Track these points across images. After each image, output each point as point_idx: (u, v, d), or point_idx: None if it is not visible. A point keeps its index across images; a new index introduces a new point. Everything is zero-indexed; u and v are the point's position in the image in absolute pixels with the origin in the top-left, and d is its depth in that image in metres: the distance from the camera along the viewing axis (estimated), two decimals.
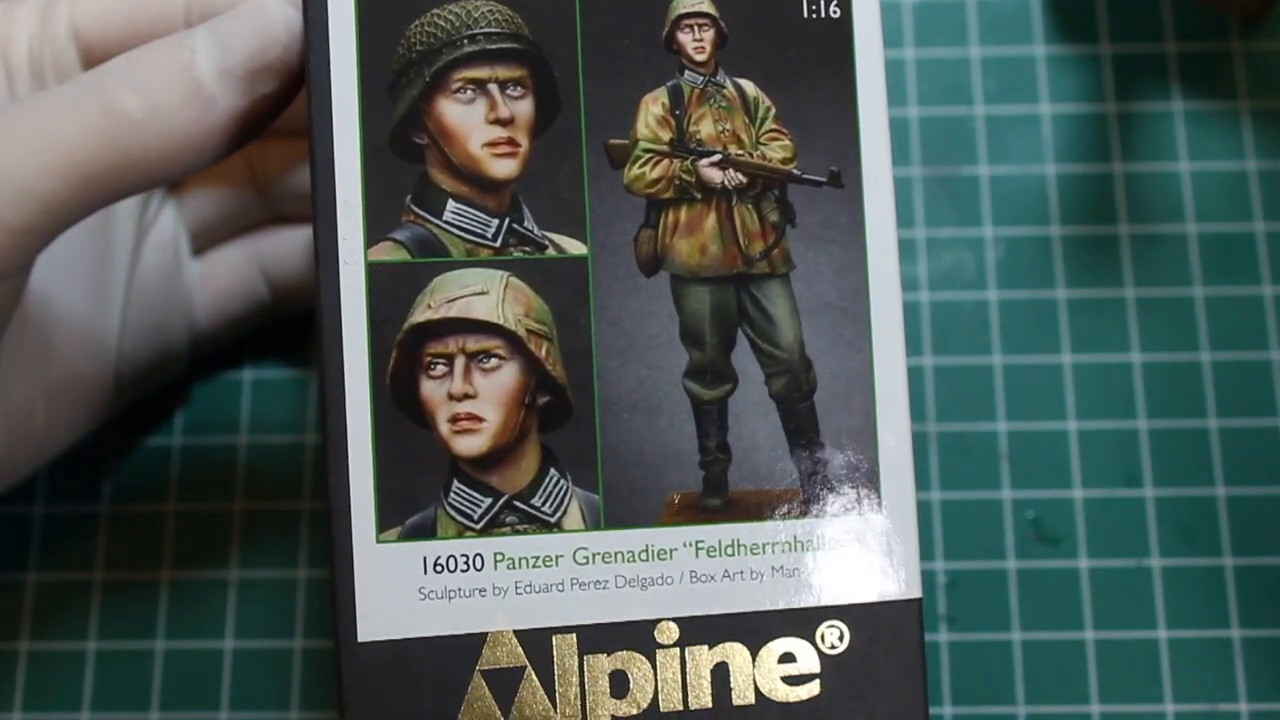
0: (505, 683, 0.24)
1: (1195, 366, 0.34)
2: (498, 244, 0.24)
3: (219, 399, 0.34)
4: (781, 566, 0.24)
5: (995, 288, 0.34)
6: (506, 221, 0.24)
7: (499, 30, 0.25)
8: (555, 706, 0.24)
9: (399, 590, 0.24)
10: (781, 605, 0.24)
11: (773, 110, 0.25)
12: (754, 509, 0.24)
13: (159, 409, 0.34)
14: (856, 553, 0.24)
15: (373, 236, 0.24)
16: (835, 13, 0.25)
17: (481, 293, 0.24)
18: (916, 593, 0.25)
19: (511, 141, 0.24)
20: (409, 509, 0.24)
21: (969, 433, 0.33)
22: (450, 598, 0.24)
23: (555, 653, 0.24)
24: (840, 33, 0.25)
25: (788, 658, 0.24)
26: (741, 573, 0.24)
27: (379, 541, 0.24)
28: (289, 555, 0.33)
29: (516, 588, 0.24)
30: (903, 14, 0.36)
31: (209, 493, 0.34)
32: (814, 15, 0.25)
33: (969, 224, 0.35)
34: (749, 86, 0.25)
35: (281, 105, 0.25)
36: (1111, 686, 0.32)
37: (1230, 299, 0.34)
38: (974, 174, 0.35)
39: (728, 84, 0.25)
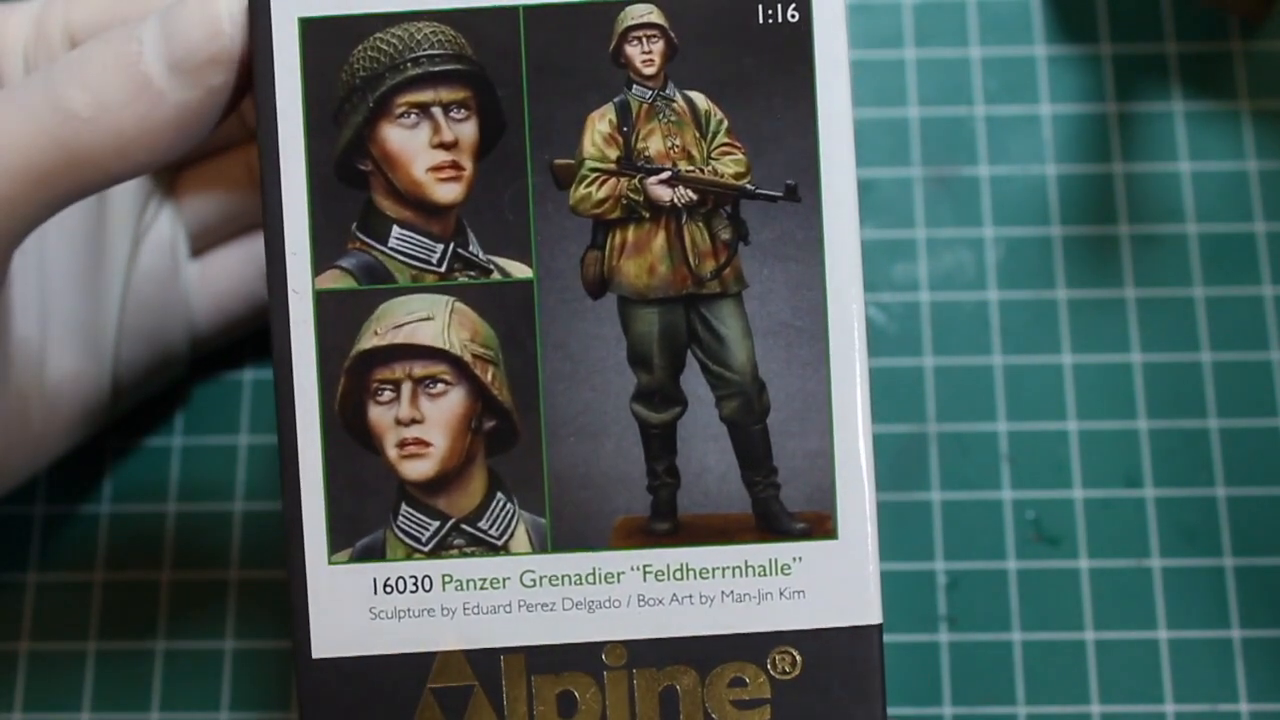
0: (455, 700, 0.24)
1: (1195, 366, 0.34)
2: (443, 269, 0.24)
3: (219, 399, 0.34)
4: (731, 591, 0.24)
5: (995, 288, 0.34)
6: (451, 246, 0.24)
7: (442, 52, 0.24)
8: None
9: (351, 610, 0.24)
10: (731, 630, 0.24)
11: (725, 123, 0.24)
12: (703, 533, 0.24)
13: (159, 409, 0.34)
14: (809, 579, 0.24)
15: (320, 264, 0.24)
16: (793, 17, 0.24)
17: (427, 318, 0.24)
18: (875, 619, 0.24)
19: (455, 165, 0.24)
20: (359, 531, 0.24)
21: (969, 433, 0.33)
22: (400, 618, 0.24)
23: (504, 673, 0.24)
24: (798, 38, 0.24)
25: (738, 682, 0.24)
26: (690, 596, 0.24)
27: (331, 563, 0.24)
28: None
29: (465, 609, 0.24)
30: (903, 14, 0.36)
31: (209, 493, 0.34)
32: (770, 20, 0.24)
33: (969, 224, 0.35)
34: (700, 99, 0.24)
35: (236, 98, 0.25)
36: (1111, 686, 0.32)
37: (1230, 299, 0.34)
38: (974, 174, 0.35)
39: (677, 97, 0.24)
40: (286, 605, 0.24)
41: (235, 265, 0.33)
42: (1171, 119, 0.35)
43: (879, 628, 0.24)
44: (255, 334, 0.35)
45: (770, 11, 0.24)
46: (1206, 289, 0.34)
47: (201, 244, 0.33)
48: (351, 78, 0.24)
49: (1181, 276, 0.34)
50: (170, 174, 0.32)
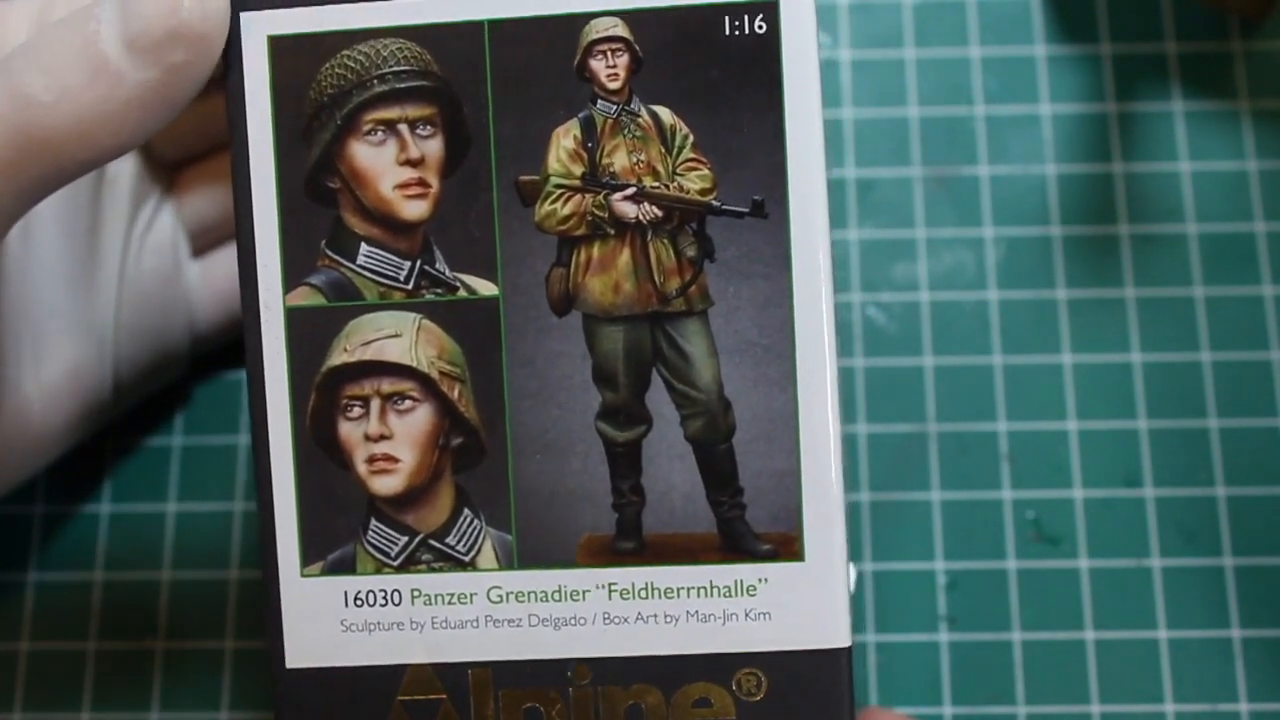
0: (424, 713, 0.24)
1: (1195, 366, 0.34)
2: (410, 286, 0.24)
3: (219, 399, 0.34)
4: (696, 611, 0.24)
5: (995, 288, 0.34)
6: (418, 264, 0.24)
7: (408, 68, 0.24)
8: None
9: (322, 621, 0.24)
10: (696, 650, 0.24)
11: (691, 138, 0.24)
12: (668, 553, 0.24)
13: (159, 409, 0.34)
14: (775, 600, 0.24)
15: (290, 281, 0.24)
16: (760, 28, 0.24)
17: (395, 335, 0.24)
18: (843, 642, 0.24)
19: (422, 182, 0.24)
20: (330, 545, 0.24)
21: (969, 433, 0.33)
22: (370, 630, 0.24)
23: (471, 687, 0.24)
24: (765, 49, 0.24)
25: (703, 702, 0.24)
26: (655, 616, 0.24)
27: (303, 574, 0.24)
28: None
29: (433, 623, 0.24)
30: (903, 14, 0.36)
31: (209, 492, 0.34)
32: (737, 32, 0.24)
33: (969, 224, 0.35)
34: (665, 114, 0.24)
35: (200, 75, 0.24)
36: (1111, 686, 0.32)
37: (1230, 299, 0.34)
38: (974, 174, 0.35)
39: (642, 112, 0.24)
40: (265, 616, 0.25)
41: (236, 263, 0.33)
42: (1171, 119, 0.35)
43: (848, 651, 0.24)
44: None
45: (737, 23, 0.24)
46: (1206, 289, 0.34)
47: (203, 243, 0.33)
48: (320, 95, 0.24)
49: (1181, 276, 0.34)
50: (171, 172, 0.32)
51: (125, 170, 0.31)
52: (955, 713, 0.32)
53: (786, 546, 0.24)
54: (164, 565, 0.33)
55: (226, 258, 0.33)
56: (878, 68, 0.36)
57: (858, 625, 0.32)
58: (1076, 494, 0.33)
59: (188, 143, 0.32)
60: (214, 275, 0.33)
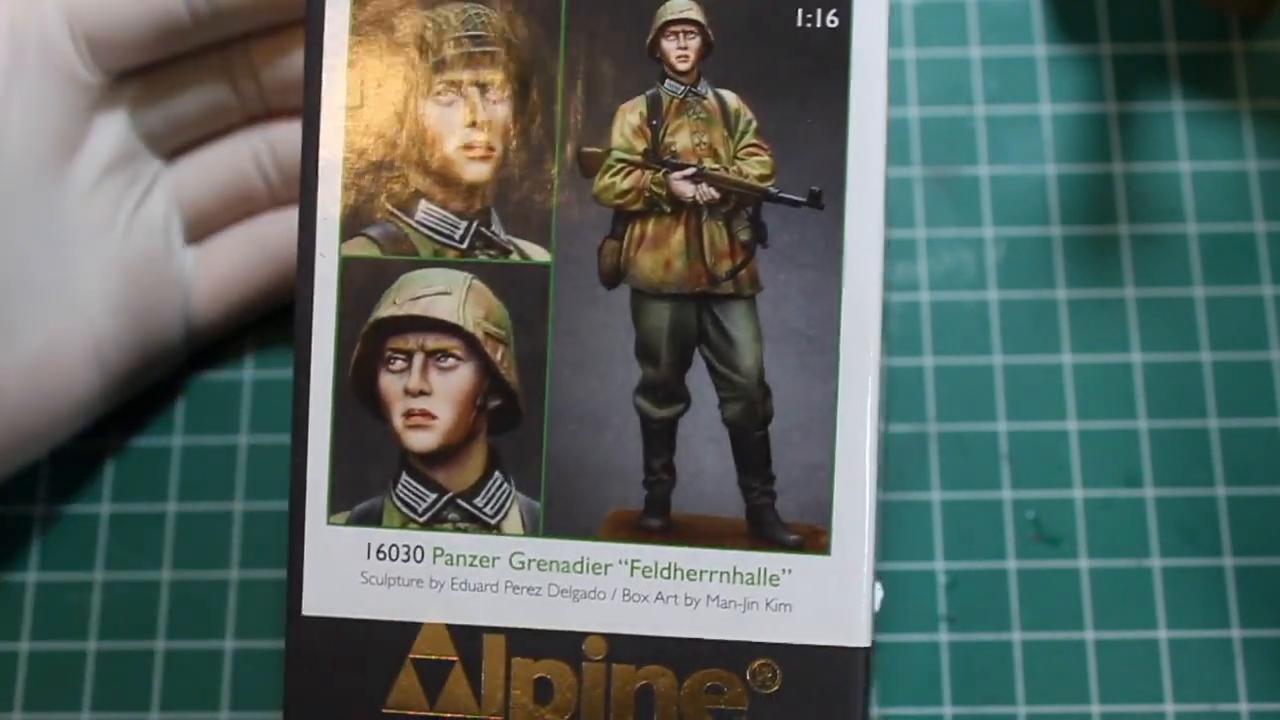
0: (434, 673, 0.24)
1: (1195, 366, 0.34)
2: (464, 246, 0.24)
3: (219, 399, 0.34)
4: (718, 596, 0.24)
5: (995, 288, 0.34)
6: (475, 225, 0.24)
7: (482, 34, 0.24)
8: (479, 703, 0.24)
9: (343, 571, 0.24)
10: (713, 635, 0.24)
11: (754, 124, 0.24)
12: (694, 534, 0.24)
13: (158, 408, 0.34)
14: (798, 593, 0.24)
15: (348, 231, 0.25)
16: (833, 22, 0.24)
17: (444, 293, 0.24)
18: (862, 642, 0.24)
19: (487, 146, 0.24)
20: (359, 495, 0.25)
21: (969, 433, 0.33)
22: (390, 585, 0.24)
23: (484, 651, 0.24)
24: (836, 43, 0.24)
25: (715, 689, 0.24)
26: (676, 597, 0.24)
27: (329, 523, 0.25)
28: None
29: (453, 583, 0.24)
30: (903, 14, 0.36)
31: (209, 492, 0.34)
32: (809, 24, 0.24)
33: (969, 224, 0.35)
34: (731, 98, 0.24)
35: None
36: (1111, 686, 0.32)
37: (1230, 299, 0.34)
38: (974, 174, 0.35)
39: (709, 94, 0.24)
40: (288, 562, 0.25)
41: (237, 249, 0.33)
42: (1171, 119, 0.35)
43: (866, 651, 0.24)
44: (257, 330, 0.35)
45: (810, 15, 0.24)
46: (1206, 289, 0.34)
47: (201, 230, 0.33)
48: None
49: (1181, 276, 0.34)
50: (166, 156, 0.32)
51: (110, 146, 0.31)
52: (955, 713, 0.32)
53: (813, 539, 0.24)
54: (164, 565, 0.33)
55: (226, 243, 0.33)
56: None
57: None
58: (1076, 494, 0.33)
59: (185, 128, 0.32)
60: (212, 261, 0.33)
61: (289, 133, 0.32)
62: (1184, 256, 0.34)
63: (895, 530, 0.33)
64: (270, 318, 0.35)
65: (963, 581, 0.33)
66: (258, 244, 0.33)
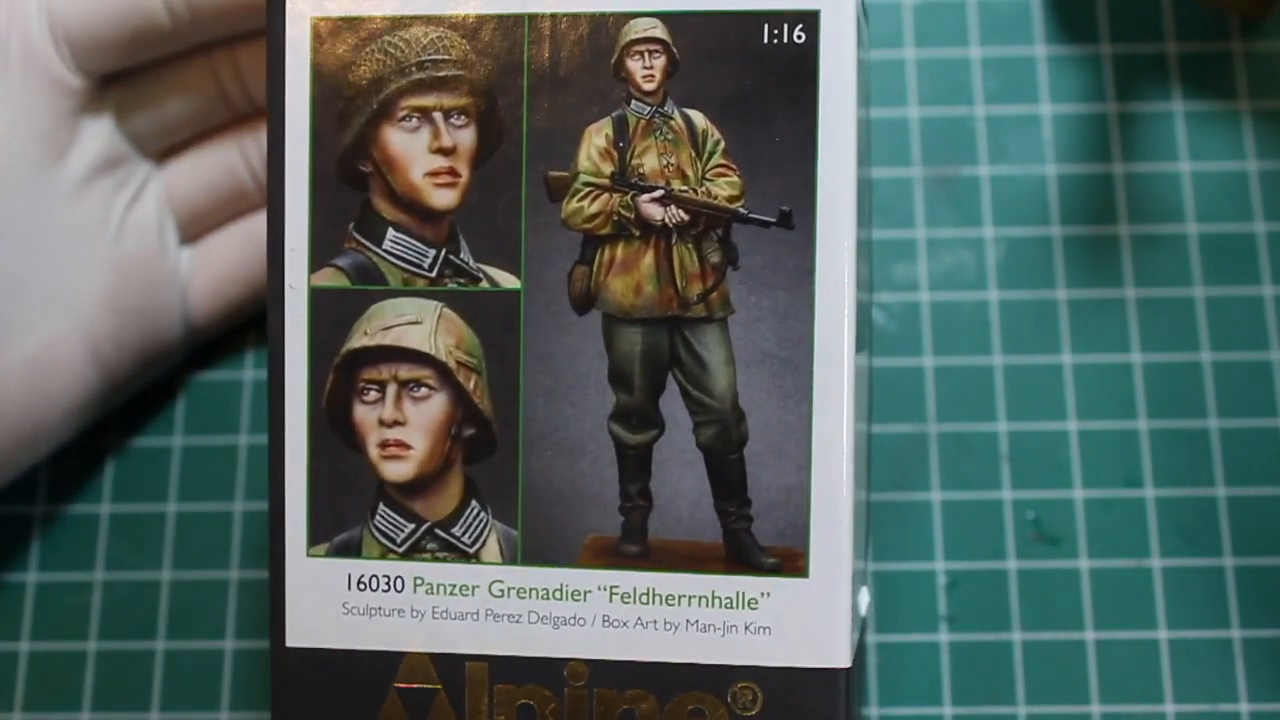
0: (419, 701, 0.24)
1: (1195, 366, 0.34)
2: (434, 274, 0.24)
3: (219, 399, 0.34)
4: (697, 620, 0.24)
5: (995, 288, 0.34)
6: (443, 252, 0.24)
7: (447, 58, 0.24)
8: None
9: (325, 602, 0.25)
10: (694, 659, 0.24)
11: (722, 144, 0.24)
12: (672, 559, 0.24)
13: (158, 408, 0.34)
14: (777, 615, 0.24)
15: (317, 262, 0.24)
16: (799, 38, 0.24)
17: (415, 322, 0.24)
18: (842, 663, 0.24)
19: (452, 171, 0.24)
20: (338, 527, 0.25)
21: (969, 433, 0.33)
22: (371, 615, 0.24)
23: (467, 679, 0.24)
24: (803, 60, 0.24)
25: (697, 713, 0.24)
26: (655, 622, 0.24)
27: (309, 554, 0.25)
28: None
29: (433, 612, 0.24)
30: (903, 14, 0.36)
31: (209, 492, 0.34)
32: (775, 41, 0.24)
33: (969, 224, 0.35)
34: (698, 118, 0.24)
35: None
36: (1111, 686, 0.32)
37: (1230, 299, 0.34)
38: (974, 174, 0.35)
39: (676, 115, 0.24)
40: (270, 593, 0.25)
41: (234, 248, 0.33)
42: (1171, 119, 0.35)
43: (846, 672, 0.24)
44: (257, 330, 0.35)
45: (776, 31, 0.24)
46: (1206, 289, 0.34)
47: (194, 230, 0.33)
48: (359, 79, 0.24)
49: (1181, 276, 0.34)
50: (156, 158, 0.32)
51: (99, 149, 0.31)
52: (955, 713, 0.32)
53: (791, 562, 0.24)
54: (164, 565, 0.33)
55: (220, 243, 0.33)
56: (878, 68, 0.36)
57: None
58: (1076, 494, 0.33)
59: (172, 130, 0.32)
60: (210, 260, 0.33)
61: None
62: (1184, 256, 0.34)
63: (895, 530, 0.33)
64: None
65: (963, 581, 0.33)
66: (253, 242, 0.33)
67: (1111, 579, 0.32)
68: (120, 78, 0.31)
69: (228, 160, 0.32)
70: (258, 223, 0.33)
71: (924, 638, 0.32)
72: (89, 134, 0.30)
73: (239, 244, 0.33)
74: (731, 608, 0.24)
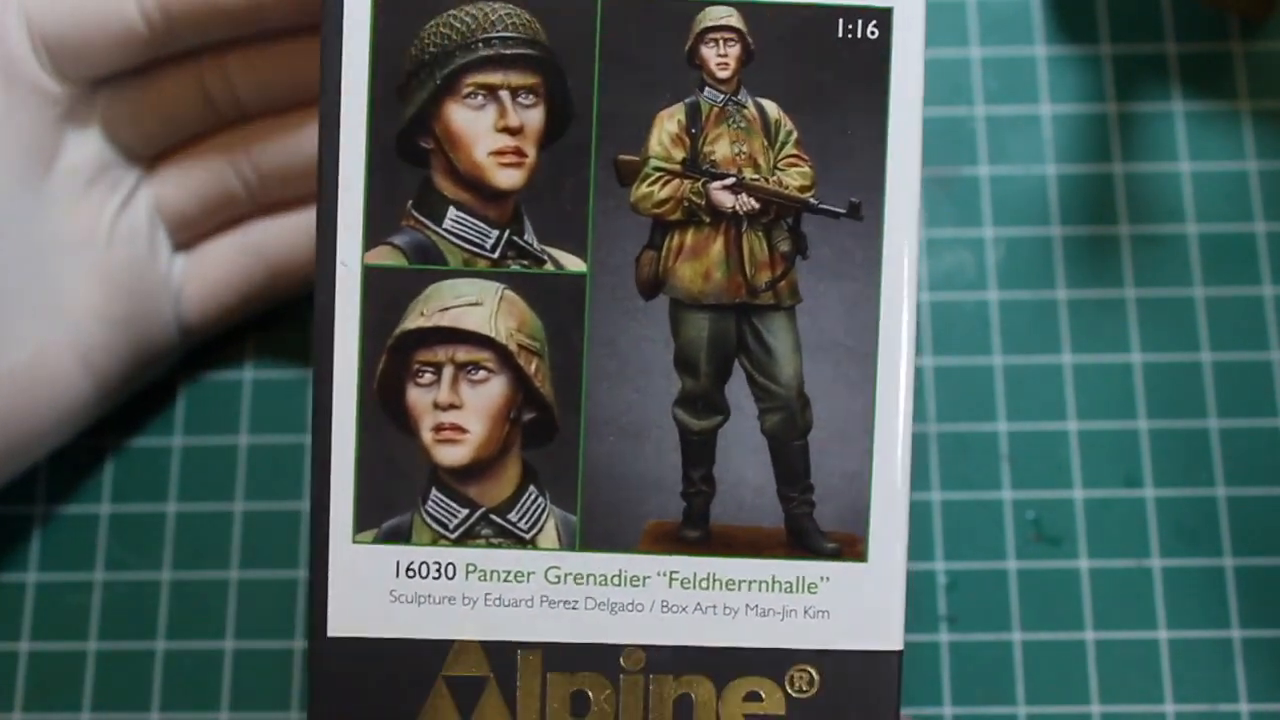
0: (467, 691, 0.24)
1: (1195, 366, 0.34)
2: (496, 255, 0.24)
3: (219, 399, 0.34)
4: (756, 605, 0.24)
5: (995, 288, 0.34)
6: (506, 233, 0.24)
7: (515, 35, 0.24)
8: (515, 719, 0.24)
9: (370, 590, 0.24)
10: (752, 644, 0.24)
11: (794, 134, 0.24)
12: (734, 544, 0.24)
13: (158, 408, 0.34)
14: (835, 599, 0.24)
15: (371, 239, 0.24)
16: (873, 34, 0.24)
17: (475, 304, 0.24)
18: (896, 645, 0.24)
19: (519, 151, 0.24)
20: (386, 512, 0.24)
21: (969, 433, 0.33)
22: (420, 603, 0.24)
23: (519, 667, 0.24)
24: (876, 55, 0.24)
25: (753, 696, 0.24)
26: (714, 607, 0.24)
27: (355, 541, 0.24)
28: (289, 555, 0.33)
29: (486, 600, 0.24)
30: None
31: (209, 493, 0.34)
32: (849, 35, 0.24)
33: (969, 224, 0.35)
34: (771, 108, 0.24)
35: None
36: (1111, 686, 0.32)
37: (1230, 299, 0.34)
38: (974, 174, 0.35)
39: (749, 104, 0.24)
40: (310, 582, 0.24)
41: (226, 254, 0.33)
42: (1171, 119, 0.35)
43: (899, 654, 0.24)
44: (257, 330, 0.35)
45: (851, 26, 0.24)
46: (1206, 289, 0.34)
47: (186, 235, 0.33)
48: (421, 53, 0.24)
49: (1181, 276, 0.34)
50: (145, 164, 0.32)
51: (86, 157, 0.31)
52: (955, 713, 0.32)
53: (851, 547, 0.24)
54: (164, 565, 0.33)
55: (215, 249, 0.33)
56: None
57: None
58: (1076, 494, 0.33)
59: (153, 134, 0.32)
60: (203, 267, 0.33)
61: (267, 136, 0.32)
62: (1184, 256, 0.34)
63: None
64: (269, 318, 0.35)
65: (963, 581, 0.33)
66: (246, 248, 0.33)
67: (1111, 579, 0.32)
68: (107, 84, 0.31)
69: (218, 166, 0.32)
70: (251, 229, 0.33)
71: (924, 638, 0.32)
72: (76, 141, 0.30)
73: (232, 251, 0.33)
74: (791, 592, 0.24)
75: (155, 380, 0.34)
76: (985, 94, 0.36)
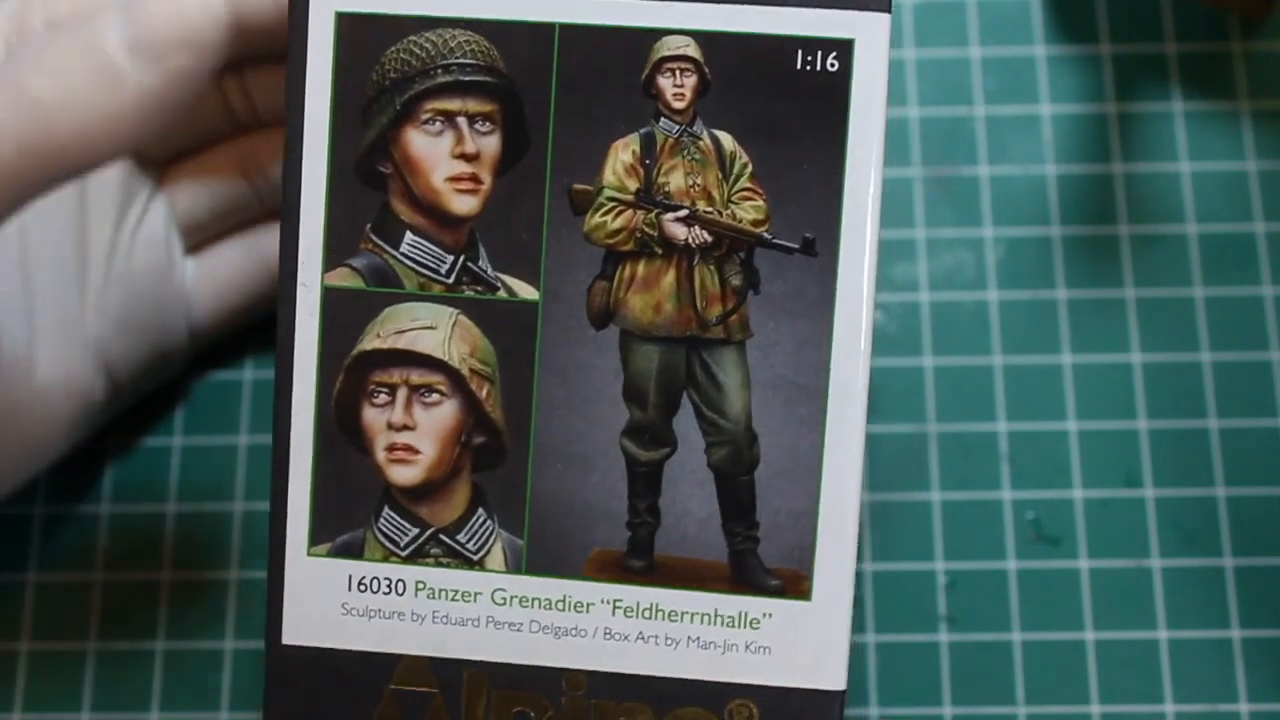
0: (414, 704, 0.24)
1: (1195, 366, 0.34)
2: (450, 280, 0.24)
3: (219, 399, 0.34)
4: (698, 637, 0.24)
5: (995, 288, 0.34)
6: (461, 259, 0.24)
7: (474, 61, 0.24)
8: None
9: (323, 602, 0.25)
10: (693, 675, 0.24)
11: (749, 167, 0.24)
12: (677, 576, 0.24)
13: (159, 409, 0.34)
14: (777, 636, 0.24)
15: (331, 261, 0.24)
16: (833, 65, 0.24)
17: (430, 327, 0.24)
18: (838, 685, 0.24)
19: (475, 178, 0.24)
20: (341, 527, 0.24)
21: (969, 433, 0.33)
22: (371, 616, 0.24)
23: (465, 684, 0.24)
24: (835, 88, 0.24)
25: None
26: (657, 637, 0.24)
27: (310, 554, 0.25)
28: None
29: (434, 617, 0.24)
30: (903, 14, 0.36)
31: (209, 492, 0.34)
32: (808, 67, 0.24)
33: (969, 224, 0.35)
34: (726, 140, 0.24)
35: (200, 80, 0.25)
36: (1111, 686, 0.32)
37: (1230, 299, 0.34)
38: (974, 174, 0.35)
39: (704, 135, 0.24)
40: (268, 591, 0.25)
41: (236, 258, 0.33)
42: (1171, 119, 0.35)
43: (842, 694, 0.24)
44: (257, 331, 0.35)
45: (810, 58, 0.24)
46: (1206, 289, 0.34)
47: (196, 240, 0.33)
48: (382, 78, 0.24)
49: (1181, 276, 0.34)
50: (160, 169, 0.32)
51: (112, 170, 0.31)
52: (955, 713, 0.32)
53: (795, 584, 0.24)
54: (164, 565, 0.33)
55: (225, 253, 0.33)
56: None
57: (858, 625, 0.32)
58: (1076, 494, 0.33)
59: (171, 140, 0.32)
60: (212, 270, 0.33)
61: (279, 144, 0.32)
62: (1184, 256, 0.34)
63: (895, 530, 0.33)
64: (269, 320, 0.35)
65: (963, 581, 0.33)
66: (255, 252, 0.33)
67: (1111, 579, 0.32)
68: None
69: (229, 171, 0.32)
70: (260, 232, 0.33)
71: (924, 638, 0.32)
72: None
73: (242, 255, 0.33)
74: (733, 626, 0.24)
75: (161, 385, 0.34)
76: (985, 94, 0.36)
